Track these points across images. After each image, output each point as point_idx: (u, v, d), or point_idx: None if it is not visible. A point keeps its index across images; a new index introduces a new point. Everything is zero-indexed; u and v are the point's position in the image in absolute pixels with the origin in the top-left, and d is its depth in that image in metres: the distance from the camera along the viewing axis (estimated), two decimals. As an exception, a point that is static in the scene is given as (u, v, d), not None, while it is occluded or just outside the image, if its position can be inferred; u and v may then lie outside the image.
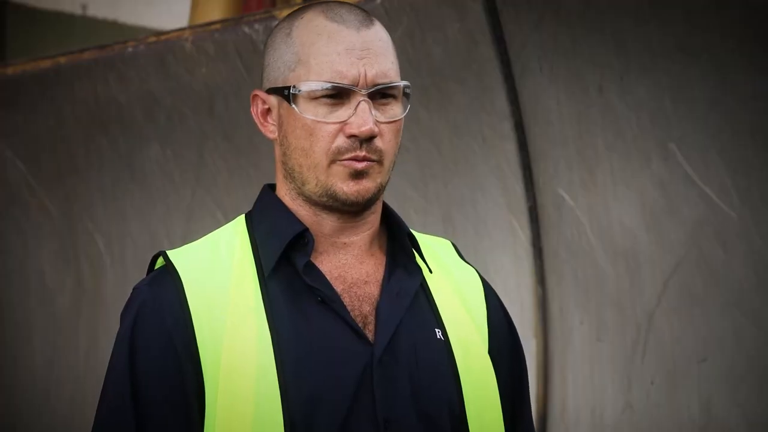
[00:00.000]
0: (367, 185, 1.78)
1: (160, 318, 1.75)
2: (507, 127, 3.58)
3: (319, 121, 1.77)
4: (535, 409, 3.64)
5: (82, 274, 4.82)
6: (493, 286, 3.85)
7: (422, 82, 3.67)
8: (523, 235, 3.64)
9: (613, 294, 3.48)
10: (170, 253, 1.81)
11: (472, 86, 3.61)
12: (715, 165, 3.23)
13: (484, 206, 3.71)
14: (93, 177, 4.66)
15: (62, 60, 4.49)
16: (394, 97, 1.81)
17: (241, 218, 1.87)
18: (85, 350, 4.83)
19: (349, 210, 1.80)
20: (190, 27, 4.24)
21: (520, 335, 2.00)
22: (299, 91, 1.77)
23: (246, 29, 3.94)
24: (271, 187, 1.89)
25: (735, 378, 3.27)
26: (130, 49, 4.27)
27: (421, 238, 1.93)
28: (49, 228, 4.88)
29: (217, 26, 4.06)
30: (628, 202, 3.41)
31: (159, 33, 4.35)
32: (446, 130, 3.71)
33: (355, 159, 1.77)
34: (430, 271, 1.88)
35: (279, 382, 1.71)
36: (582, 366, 3.56)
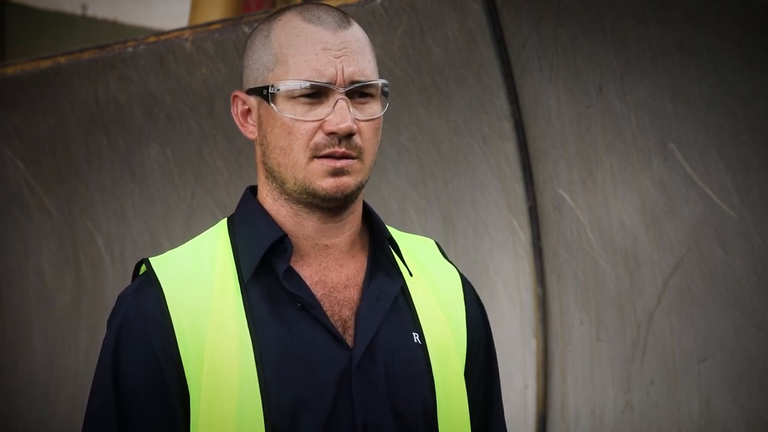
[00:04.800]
0: (347, 181, 1.79)
1: (142, 327, 1.77)
2: (507, 127, 3.58)
3: (297, 120, 1.78)
4: (535, 409, 3.64)
5: (82, 274, 4.82)
6: (493, 286, 3.86)
7: (422, 82, 3.67)
8: (523, 235, 3.64)
9: (613, 294, 3.48)
10: (152, 261, 1.83)
11: (472, 86, 3.61)
12: (715, 165, 3.23)
13: (484, 206, 3.71)
14: (93, 177, 4.66)
15: (62, 60, 4.49)
16: (372, 95, 1.82)
17: (224, 223, 1.88)
18: (85, 350, 4.83)
19: (329, 207, 1.81)
20: (190, 27, 4.23)
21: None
22: (278, 90, 1.79)
23: (246, 29, 3.94)
24: (253, 190, 1.90)
25: (735, 378, 3.27)
26: (130, 49, 4.27)
27: (403, 239, 1.94)
28: (49, 228, 4.89)
29: (217, 26, 4.07)
30: (628, 202, 3.41)
31: (159, 33, 4.35)
32: (446, 130, 3.71)
33: (334, 155, 1.78)
34: (410, 275, 1.89)
35: (260, 389, 1.74)
36: (582, 366, 3.56)
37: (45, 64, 4.54)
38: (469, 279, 2.01)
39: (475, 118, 3.65)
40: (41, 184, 4.84)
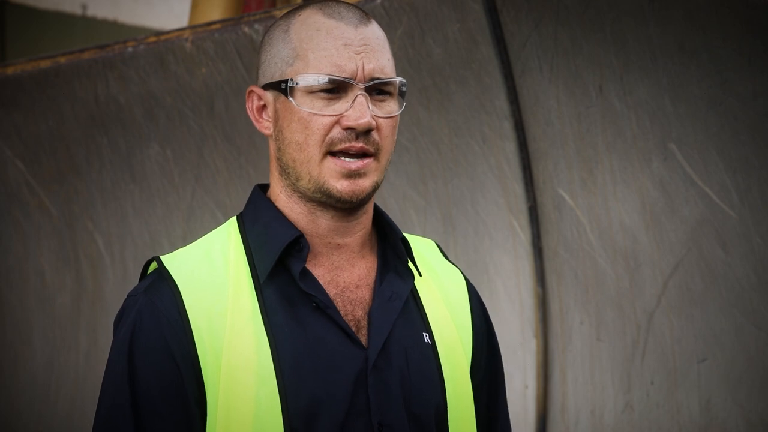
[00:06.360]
0: (362, 185, 1.78)
1: (158, 327, 1.75)
2: (507, 127, 3.58)
3: (315, 114, 1.77)
4: (535, 409, 3.64)
5: (82, 274, 4.82)
6: (493, 286, 3.86)
7: (422, 82, 3.67)
8: (523, 235, 3.64)
9: (613, 294, 3.48)
10: (164, 259, 1.81)
11: (472, 86, 3.61)
12: (715, 165, 3.23)
13: (484, 206, 3.71)
14: (93, 177, 4.66)
15: (62, 60, 4.48)
16: (390, 93, 1.81)
17: (233, 221, 1.87)
18: (85, 350, 4.83)
19: (344, 207, 1.80)
20: (190, 27, 4.23)
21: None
22: (296, 84, 1.78)
23: (246, 29, 3.94)
24: (262, 188, 1.89)
25: (735, 378, 3.27)
26: (130, 49, 4.27)
27: (409, 240, 1.93)
28: (49, 228, 4.88)
29: (217, 26, 4.06)
30: (628, 202, 3.41)
31: (159, 33, 4.34)
32: (446, 130, 3.71)
33: (350, 150, 1.76)
34: (420, 275, 1.88)
35: (279, 390, 1.72)
36: (582, 366, 3.56)
37: (45, 64, 4.54)
38: (469, 279, 2.01)
39: (475, 118, 3.65)
40: (41, 184, 4.84)
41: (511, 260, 3.68)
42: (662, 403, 3.40)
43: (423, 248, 1.96)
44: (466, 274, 2.02)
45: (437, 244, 2.00)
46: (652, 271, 3.40)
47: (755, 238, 3.19)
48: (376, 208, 1.89)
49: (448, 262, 1.98)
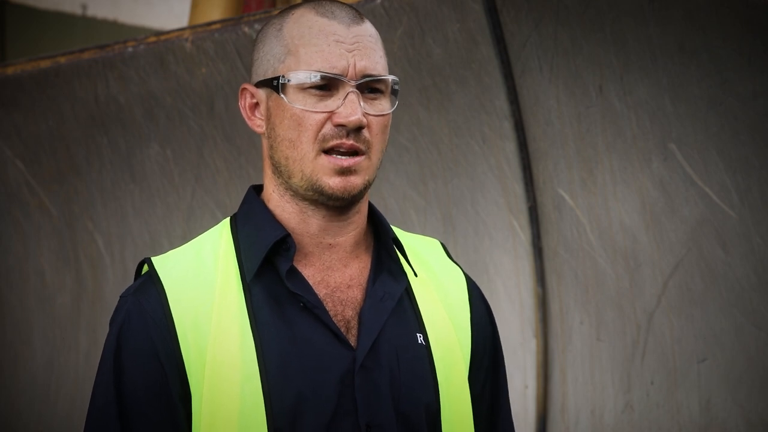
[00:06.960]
0: (354, 181, 1.78)
1: (143, 327, 1.76)
2: (507, 127, 3.58)
3: (307, 111, 1.77)
4: (535, 409, 3.64)
5: (82, 274, 4.82)
6: (493, 286, 3.86)
7: (422, 82, 3.67)
8: (523, 235, 3.64)
9: (613, 294, 3.48)
10: (155, 260, 1.82)
11: (472, 86, 3.61)
12: (715, 165, 3.23)
13: (484, 206, 3.71)
14: (93, 177, 4.66)
15: (62, 60, 4.48)
16: (382, 92, 1.82)
17: (227, 222, 1.87)
18: (85, 350, 4.83)
19: (335, 205, 1.80)
20: (190, 27, 4.23)
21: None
22: (288, 80, 1.79)
23: (246, 29, 3.94)
24: (257, 189, 1.89)
25: (735, 378, 3.27)
26: (130, 49, 4.27)
27: (407, 239, 1.93)
28: (49, 228, 4.88)
29: (217, 26, 4.06)
30: (628, 202, 3.41)
31: (159, 33, 4.34)
32: (446, 130, 3.71)
33: (341, 146, 1.77)
34: (416, 275, 1.88)
35: (263, 390, 1.73)
36: (582, 366, 3.56)
37: (45, 64, 4.54)
38: (469, 279, 2.01)
39: (475, 118, 3.65)
40: (41, 184, 4.84)
41: (511, 260, 3.68)
42: (662, 403, 3.40)
43: (423, 248, 1.96)
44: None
45: (442, 244, 2.00)
46: (652, 271, 3.40)
47: (755, 238, 3.19)
48: (372, 208, 1.89)
49: (451, 262, 1.97)
